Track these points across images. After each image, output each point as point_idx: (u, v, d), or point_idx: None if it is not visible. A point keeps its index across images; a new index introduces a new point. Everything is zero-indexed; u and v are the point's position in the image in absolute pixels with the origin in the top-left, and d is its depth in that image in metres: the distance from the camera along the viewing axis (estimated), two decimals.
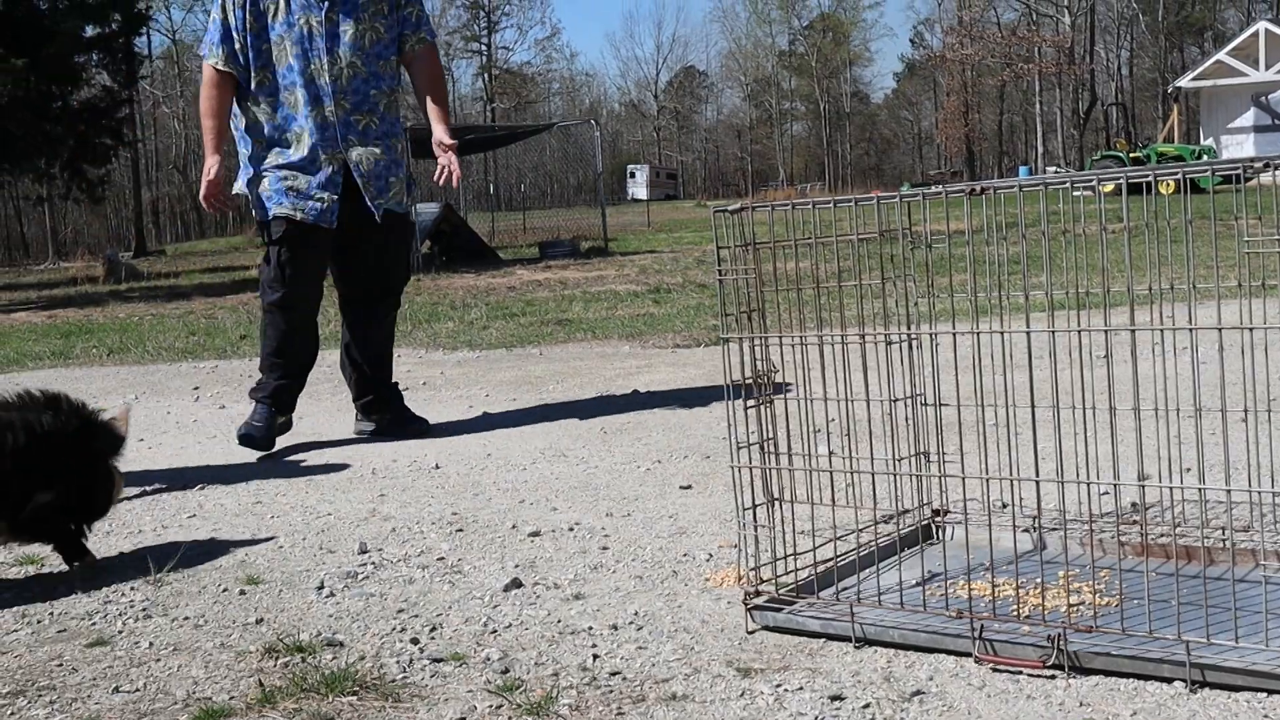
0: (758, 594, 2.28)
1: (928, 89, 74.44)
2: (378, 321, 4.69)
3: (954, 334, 2.24)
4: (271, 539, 3.17)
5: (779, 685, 1.99)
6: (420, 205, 16.76)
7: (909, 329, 2.37)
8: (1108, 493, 2.87)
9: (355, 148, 4.42)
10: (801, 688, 1.98)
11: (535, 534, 3.05)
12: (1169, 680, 1.89)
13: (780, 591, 2.29)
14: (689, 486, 3.49)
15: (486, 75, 72.66)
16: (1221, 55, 33.21)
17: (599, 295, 11.21)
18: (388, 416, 4.67)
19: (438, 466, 4.00)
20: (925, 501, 2.64)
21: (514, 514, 3.29)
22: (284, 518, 3.41)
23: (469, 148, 22.79)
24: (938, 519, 2.63)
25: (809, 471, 2.44)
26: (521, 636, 2.32)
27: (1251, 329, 2.00)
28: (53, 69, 20.18)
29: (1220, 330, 1.95)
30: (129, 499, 3.70)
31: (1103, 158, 30.26)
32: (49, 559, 3.03)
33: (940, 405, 2.42)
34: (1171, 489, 2.34)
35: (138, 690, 2.15)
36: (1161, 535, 2.45)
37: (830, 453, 3.37)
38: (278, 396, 4.54)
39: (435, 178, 4.41)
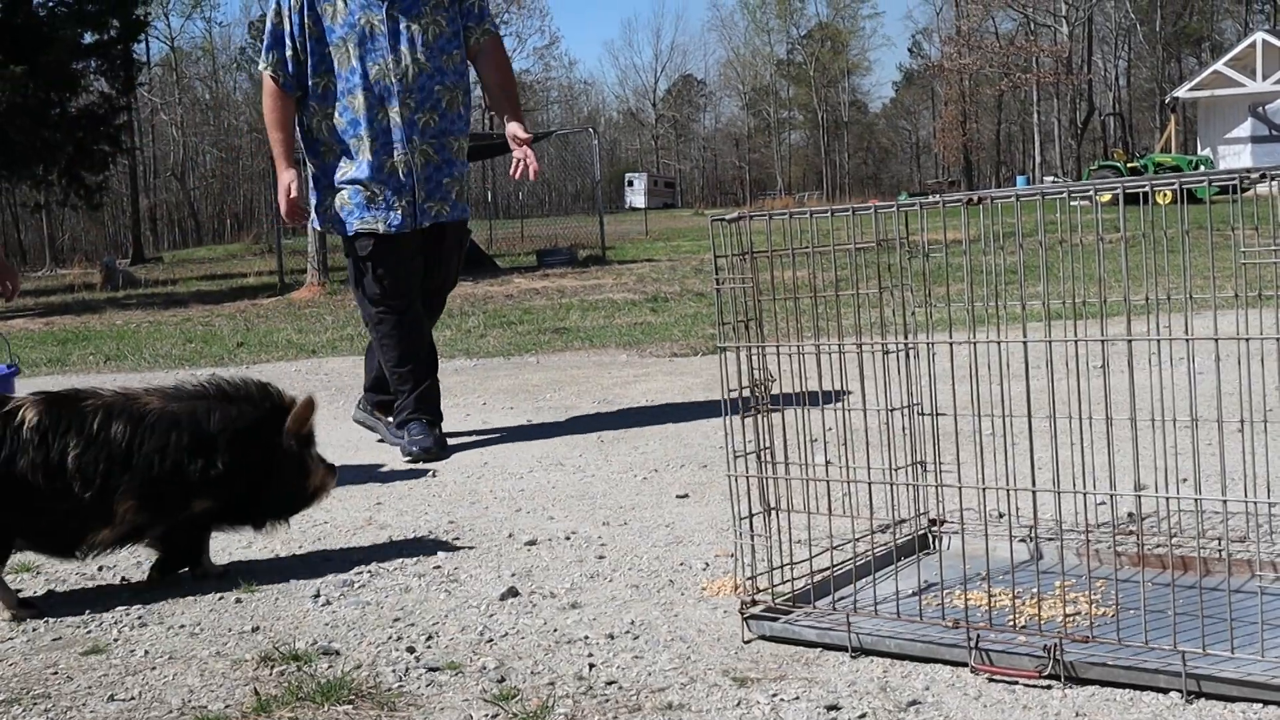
0: (754, 603, 2.28)
1: (926, 98, 74.52)
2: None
3: (951, 343, 2.24)
4: (267, 547, 3.16)
5: (775, 695, 1.99)
6: None
7: (906, 338, 2.37)
8: (1104, 503, 2.87)
9: (416, 148, 4.30)
10: (798, 697, 1.98)
11: (532, 543, 3.05)
12: (1165, 691, 1.89)
13: (777, 601, 2.29)
14: (686, 495, 3.49)
15: None
16: (1219, 66, 33.26)
17: (596, 304, 11.21)
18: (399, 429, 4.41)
19: (434, 475, 3.99)
20: (922, 511, 2.63)
21: (511, 522, 3.29)
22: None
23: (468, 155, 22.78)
24: (934, 529, 2.63)
25: (806, 481, 2.44)
26: (518, 645, 2.32)
27: (1248, 339, 2.00)
28: (51, 75, 20.18)
29: (1217, 341, 1.95)
30: None
31: (1100, 168, 30.28)
32: (45, 565, 3.03)
33: (937, 415, 2.42)
34: (1168, 499, 2.35)
35: (133, 699, 2.15)
36: (1158, 545, 2.45)
37: (827, 462, 3.38)
38: (423, 406, 4.38)
39: (511, 171, 4.37)
